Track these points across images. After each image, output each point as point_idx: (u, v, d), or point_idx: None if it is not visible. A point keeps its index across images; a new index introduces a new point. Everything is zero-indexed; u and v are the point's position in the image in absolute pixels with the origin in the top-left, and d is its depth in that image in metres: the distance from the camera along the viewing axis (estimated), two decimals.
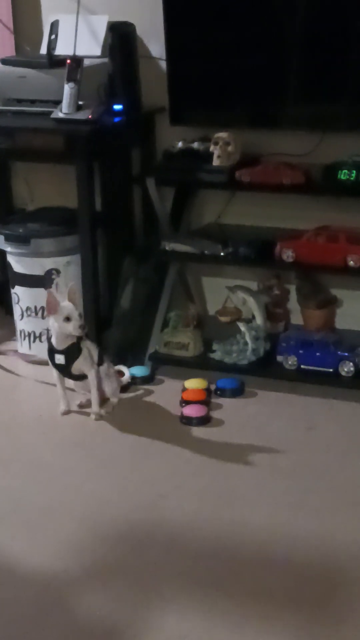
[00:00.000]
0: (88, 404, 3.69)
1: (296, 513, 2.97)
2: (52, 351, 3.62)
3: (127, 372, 3.83)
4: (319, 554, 2.77)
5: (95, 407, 3.65)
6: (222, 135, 3.79)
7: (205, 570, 2.71)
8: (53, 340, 3.61)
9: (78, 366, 3.61)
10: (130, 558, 2.79)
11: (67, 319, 3.52)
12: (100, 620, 2.52)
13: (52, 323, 3.57)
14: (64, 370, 3.63)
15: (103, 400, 3.68)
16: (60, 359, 3.60)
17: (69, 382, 3.71)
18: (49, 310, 3.56)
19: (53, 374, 3.68)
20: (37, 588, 2.66)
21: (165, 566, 2.74)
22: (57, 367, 3.63)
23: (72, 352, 3.59)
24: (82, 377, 3.64)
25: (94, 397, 3.64)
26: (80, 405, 3.72)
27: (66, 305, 3.54)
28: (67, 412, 3.66)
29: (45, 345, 4.01)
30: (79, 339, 3.58)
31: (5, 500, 3.10)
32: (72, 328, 3.52)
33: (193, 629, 2.47)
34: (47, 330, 3.70)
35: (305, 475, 3.19)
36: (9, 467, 3.31)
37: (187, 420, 3.55)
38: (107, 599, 2.61)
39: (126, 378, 3.81)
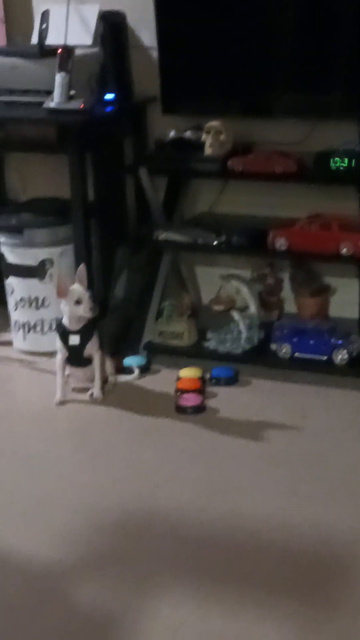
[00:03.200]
0: (83, 390, 3.70)
1: (291, 501, 2.98)
2: (65, 333, 3.63)
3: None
4: (313, 541, 2.78)
5: (97, 390, 3.66)
6: (214, 124, 3.79)
7: (200, 559, 2.72)
8: (66, 322, 3.62)
9: (89, 348, 3.62)
10: (125, 547, 2.79)
11: (78, 301, 3.55)
12: (96, 609, 2.52)
13: (63, 306, 3.59)
14: (77, 352, 3.64)
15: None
16: (75, 339, 3.63)
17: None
18: (59, 294, 3.60)
19: (57, 360, 3.68)
20: (33, 577, 2.66)
21: (160, 555, 2.75)
22: (70, 348, 3.64)
23: (87, 333, 3.62)
24: (87, 361, 3.65)
25: (97, 380, 3.66)
26: (76, 390, 3.72)
27: (76, 288, 3.57)
28: (63, 402, 3.66)
29: (39, 337, 4.05)
30: (92, 320, 3.60)
31: (0, 490, 3.10)
32: (83, 310, 3.56)
33: (189, 617, 2.47)
34: (56, 318, 3.74)
35: (300, 462, 3.20)
36: (3, 457, 3.32)
37: (182, 409, 3.55)
38: (103, 587, 2.61)
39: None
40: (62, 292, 3.60)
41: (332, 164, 3.61)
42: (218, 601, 2.54)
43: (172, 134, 3.93)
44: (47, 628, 2.47)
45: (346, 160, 3.59)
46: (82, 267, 3.63)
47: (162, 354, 3.95)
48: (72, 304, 3.58)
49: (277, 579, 2.62)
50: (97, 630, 2.45)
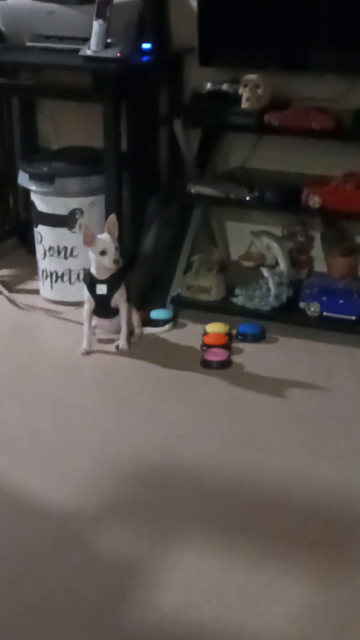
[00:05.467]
0: (109, 341, 3.70)
1: (314, 458, 2.98)
2: (92, 282, 3.63)
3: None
4: (336, 498, 2.78)
5: (123, 341, 3.66)
6: (252, 77, 3.75)
7: (223, 511, 2.73)
8: (93, 271, 3.62)
9: (116, 299, 3.62)
10: (148, 497, 2.80)
11: (103, 252, 3.54)
12: (116, 557, 2.54)
13: (91, 254, 3.58)
14: (104, 302, 3.63)
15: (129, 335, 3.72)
16: (102, 289, 3.62)
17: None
18: (85, 242, 3.58)
19: (84, 310, 3.67)
20: (55, 524, 2.68)
21: (183, 506, 2.75)
22: (97, 298, 3.63)
23: (115, 283, 3.61)
24: (114, 312, 3.65)
25: (124, 331, 3.66)
26: (102, 341, 3.72)
27: (103, 238, 3.56)
28: (89, 352, 3.66)
29: (66, 286, 4.05)
30: (120, 271, 3.60)
31: (25, 437, 3.12)
32: (107, 262, 3.54)
33: (210, 568, 2.48)
34: (84, 269, 3.73)
35: (324, 421, 3.19)
36: (29, 405, 3.33)
37: (208, 364, 3.55)
38: (124, 536, 2.63)
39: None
40: (88, 241, 3.58)
41: None
42: (239, 554, 2.55)
43: (208, 86, 3.88)
44: (68, 574, 2.48)
45: None
46: (112, 217, 3.61)
47: (189, 308, 3.93)
48: (98, 254, 3.57)
49: (299, 534, 2.63)
50: (117, 578, 2.46)
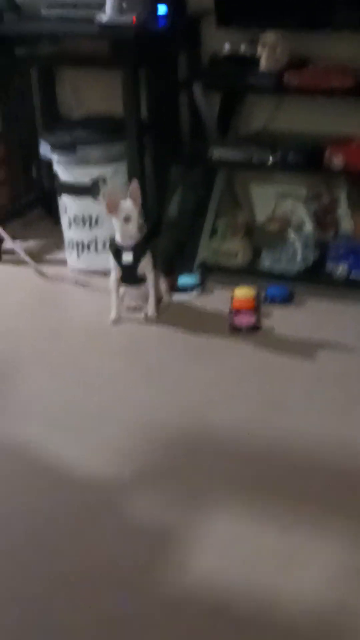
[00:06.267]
0: (137, 309, 3.72)
1: (345, 420, 2.98)
2: (118, 251, 3.63)
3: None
4: None
5: (151, 309, 3.67)
6: (270, 37, 3.71)
7: (254, 476, 2.74)
8: (118, 240, 3.62)
9: (142, 266, 3.62)
10: (179, 463, 2.82)
11: (127, 219, 3.54)
12: (150, 523, 2.57)
13: (115, 222, 3.59)
14: (131, 270, 3.64)
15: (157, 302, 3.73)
16: (128, 257, 3.63)
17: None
18: (108, 209, 3.58)
19: (111, 279, 3.68)
20: (88, 491, 2.71)
21: (214, 471, 2.77)
22: (124, 266, 3.64)
23: (140, 250, 3.61)
24: (141, 280, 3.66)
25: (152, 298, 3.67)
26: (131, 308, 3.73)
27: (126, 204, 3.55)
28: (118, 321, 3.68)
29: (93, 256, 4.05)
30: (145, 238, 3.60)
31: (57, 406, 3.14)
32: (132, 228, 3.55)
33: (243, 533, 2.51)
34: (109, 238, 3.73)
35: (355, 383, 3.18)
36: (59, 374, 3.35)
37: (237, 328, 3.55)
38: (158, 502, 2.65)
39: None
40: (111, 209, 3.58)
41: None
42: (272, 518, 2.57)
43: (226, 47, 3.85)
44: (103, 541, 2.52)
45: None
46: (134, 183, 3.60)
47: (216, 273, 3.93)
48: (122, 220, 3.56)
49: (330, 497, 2.64)
50: (151, 544, 2.49)
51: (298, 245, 3.81)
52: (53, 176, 4.16)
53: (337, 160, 3.63)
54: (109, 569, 2.42)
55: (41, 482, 2.78)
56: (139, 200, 3.58)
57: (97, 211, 3.98)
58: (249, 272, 3.87)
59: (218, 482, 2.72)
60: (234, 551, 2.45)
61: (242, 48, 3.82)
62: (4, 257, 4.25)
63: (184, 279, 3.88)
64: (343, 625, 2.20)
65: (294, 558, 2.41)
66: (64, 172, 4.04)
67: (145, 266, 3.65)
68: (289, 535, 2.49)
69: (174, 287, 3.84)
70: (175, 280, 3.87)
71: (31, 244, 4.38)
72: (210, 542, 2.48)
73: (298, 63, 3.73)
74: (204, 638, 2.19)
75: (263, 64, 3.71)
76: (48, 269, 4.13)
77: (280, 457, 2.83)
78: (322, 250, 3.82)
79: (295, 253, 3.81)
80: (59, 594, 2.35)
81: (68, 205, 4.08)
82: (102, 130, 4.02)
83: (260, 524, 2.54)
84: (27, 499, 2.71)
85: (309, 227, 3.88)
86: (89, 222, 4.04)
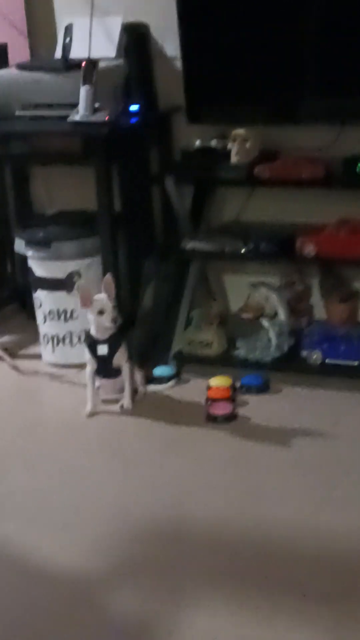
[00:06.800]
0: (113, 401, 3.70)
1: (323, 508, 2.95)
2: (93, 343, 3.63)
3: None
4: (347, 547, 2.75)
5: (127, 400, 3.66)
6: (240, 131, 3.78)
7: (233, 566, 2.70)
8: (93, 332, 3.63)
9: (117, 358, 3.63)
10: (158, 555, 2.78)
11: (101, 312, 3.56)
12: (130, 618, 2.52)
13: (89, 316, 3.61)
14: (106, 362, 3.64)
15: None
16: (103, 349, 3.63)
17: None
18: (82, 303, 3.61)
19: (86, 371, 3.68)
20: (66, 585, 2.66)
21: (193, 562, 2.73)
22: (99, 359, 3.64)
23: (115, 342, 3.62)
24: (117, 372, 3.65)
25: (127, 390, 3.66)
26: (106, 401, 3.72)
27: (99, 298, 3.58)
28: (94, 414, 3.66)
29: (68, 349, 4.05)
30: (120, 330, 3.62)
31: (33, 502, 3.11)
32: (106, 321, 3.56)
33: (224, 625, 2.45)
34: (84, 330, 3.74)
35: (332, 469, 3.17)
36: (36, 469, 3.32)
37: (213, 418, 3.53)
38: (136, 596, 2.60)
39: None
40: (85, 302, 3.60)
41: (359, 169, 3.59)
42: (253, 609, 2.52)
43: (197, 143, 3.92)
44: (83, 636, 2.46)
45: None
46: (107, 277, 3.63)
47: (191, 363, 3.93)
48: (96, 314, 3.58)
49: (311, 586, 2.59)
50: (131, 638, 2.44)
51: (272, 334, 3.82)
52: (27, 271, 4.19)
53: (308, 249, 3.68)
54: None
55: (19, 579, 2.72)
56: (113, 293, 3.60)
57: (72, 305, 4.00)
58: (224, 362, 3.88)
59: (197, 573, 2.68)
60: None
61: (213, 142, 3.90)
62: None
63: (160, 370, 3.88)
64: None
65: None
66: (38, 267, 4.07)
67: (121, 358, 3.65)
68: (269, 626, 2.44)
69: (149, 378, 3.83)
70: (151, 371, 3.87)
71: (5, 339, 4.37)
72: (190, 635, 2.43)
73: (268, 155, 3.81)
74: None
75: (234, 157, 3.78)
76: (23, 364, 4.12)
77: (259, 546, 2.79)
78: (297, 337, 3.84)
79: (270, 341, 3.82)
80: None
81: (42, 299, 4.09)
82: (75, 225, 4.07)
83: (240, 616, 2.49)
84: (3, 595, 2.65)
85: (282, 315, 3.90)
86: (64, 315, 4.05)
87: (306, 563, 2.69)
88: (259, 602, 2.54)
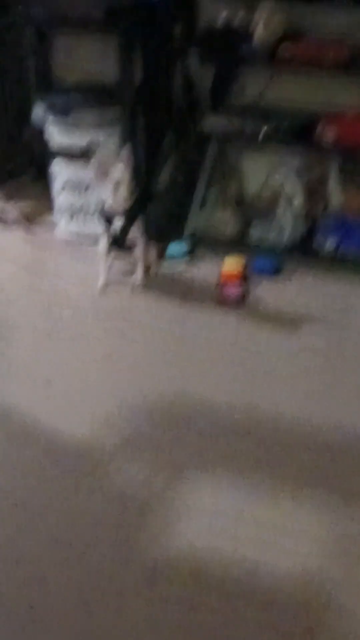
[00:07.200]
0: (126, 274, 3.73)
1: (330, 393, 3.02)
2: (108, 217, 3.64)
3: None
4: (351, 433, 2.82)
5: (139, 276, 3.69)
6: (265, 7, 3.69)
7: (240, 447, 2.78)
8: (108, 205, 3.62)
9: (132, 232, 3.64)
10: (165, 433, 2.86)
11: (117, 184, 3.55)
12: (135, 491, 2.61)
13: (105, 188, 3.59)
14: (121, 236, 3.64)
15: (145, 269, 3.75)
16: (118, 223, 3.63)
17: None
18: (98, 177, 3.58)
19: (100, 245, 3.68)
20: (75, 458, 2.74)
21: (199, 442, 2.81)
22: (113, 232, 3.65)
23: (131, 216, 3.63)
24: (130, 246, 3.66)
25: (140, 266, 3.69)
26: (118, 275, 3.75)
27: (117, 170, 3.55)
28: (107, 286, 3.69)
29: (83, 221, 4.06)
30: (136, 204, 3.61)
31: (43, 374, 3.16)
32: (121, 194, 3.55)
33: (226, 502, 2.55)
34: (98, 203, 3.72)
35: (340, 356, 3.22)
36: (47, 341, 3.37)
37: (224, 298, 3.57)
38: (142, 471, 2.69)
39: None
40: (101, 176, 3.58)
41: None
42: (256, 488, 2.61)
43: (222, 17, 3.83)
44: (88, 507, 2.56)
45: None
46: (126, 150, 3.59)
47: (205, 243, 3.94)
48: (113, 186, 3.57)
49: (314, 469, 2.68)
50: (135, 511, 2.53)
51: (288, 217, 3.82)
52: (44, 140, 4.15)
53: (329, 134, 3.64)
54: (95, 533, 2.46)
55: (29, 448, 2.80)
56: (130, 166, 3.57)
57: (89, 177, 3.98)
58: (238, 243, 3.89)
59: (203, 452, 2.76)
60: (217, 520, 2.49)
61: (238, 18, 3.81)
62: None
63: (173, 247, 3.90)
64: (325, 593, 2.25)
65: (276, 528, 2.45)
66: (57, 135, 4.03)
67: (135, 232, 3.66)
68: (272, 505, 2.54)
69: (163, 255, 3.85)
70: (165, 248, 3.88)
71: (21, 206, 4.37)
72: (194, 510, 2.52)
73: (293, 35, 3.73)
74: (185, 602, 2.25)
75: (258, 34, 3.70)
76: (38, 233, 4.13)
77: (263, 429, 2.86)
78: (312, 223, 3.84)
79: (285, 225, 3.83)
80: (47, 556, 2.39)
81: (60, 169, 4.07)
82: (96, 95, 4.01)
83: (244, 495, 2.58)
84: (12, 462, 2.75)
85: (299, 199, 3.89)
86: (80, 187, 4.03)
87: (311, 447, 2.77)
88: (262, 483, 2.63)
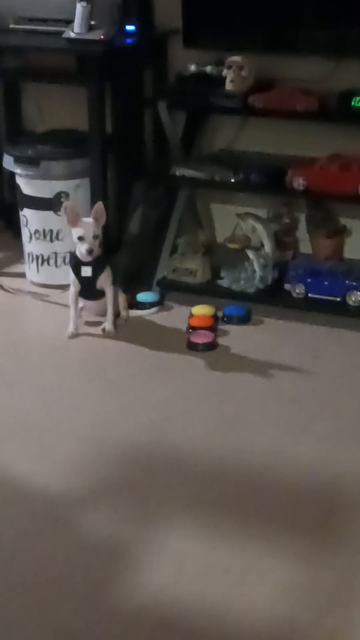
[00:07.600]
0: (95, 323, 3.71)
1: (300, 439, 3.00)
2: (77, 264, 3.63)
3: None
4: (321, 479, 2.80)
5: (109, 324, 3.67)
6: (236, 59, 3.74)
7: (208, 493, 2.74)
8: (78, 254, 3.61)
9: (101, 281, 3.62)
10: (134, 479, 2.82)
11: (80, 238, 3.55)
12: (103, 538, 2.55)
13: (75, 237, 3.60)
14: (90, 284, 3.64)
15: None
16: (87, 271, 3.62)
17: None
18: (70, 222, 3.58)
19: (70, 292, 3.67)
20: (43, 506, 2.69)
21: (169, 487, 2.77)
22: (83, 280, 3.63)
23: (100, 265, 3.61)
24: (100, 294, 3.65)
25: (110, 313, 3.67)
26: (88, 323, 3.73)
27: (86, 222, 3.55)
28: (76, 335, 3.67)
29: (52, 269, 4.05)
30: (105, 253, 3.61)
31: (12, 420, 3.13)
32: (82, 249, 3.56)
33: (195, 549, 2.50)
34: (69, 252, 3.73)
35: (311, 402, 3.21)
36: (16, 388, 3.34)
37: (194, 346, 3.56)
38: (111, 518, 2.64)
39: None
40: (72, 221, 3.58)
41: (354, 103, 3.57)
42: (225, 534, 2.57)
43: (192, 68, 3.88)
44: (55, 555, 2.50)
45: None
46: (99, 205, 3.59)
47: (175, 291, 3.94)
48: (75, 238, 3.57)
49: (284, 514, 2.64)
50: (104, 559, 2.48)
51: (257, 265, 3.83)
52: (14, 189, 4.15)
53: (298, 182, 3.66)
54: (62, 583, 2.40)
55: None
56: (103, 220, 3.57)
57: (58, 225, 3.98)
58: (208, 291, 3.89)
59: (172, 498, 2.72)
60: (187, 567, 2.44)
61: (208, 68, 3.85)
62: None
63: (143, 296, 3.89)
64: None
65: (246, 575, 2.41)
66: (26, 185, 4.04)
67: (105, 281, 3.65)
68: (241, 552, 2.49)
69: (132, 303, 3.84)
70: (134, 296, 3.87)
71: None
72: (163, 558, 2.47)
73: (264, 85, 3.77)
74: None
75: (228, 84, 3.74)
76: (7, 282, 4.12)
77: (235, 474, 2.83)
78: (281, 270, 3.84)
79: (254, 273, 3.83)
80: (12, 606, 2.32)
81: (29, 218, 4.07)
82: (65, 145, 4.03)
83: (213, 541, 2.54)
84: None
85: (268, 247, 3.90)
86: (50, 235, 4.03)
87: (280, 493, 2.74)
88: (232, 528, 2.59)
